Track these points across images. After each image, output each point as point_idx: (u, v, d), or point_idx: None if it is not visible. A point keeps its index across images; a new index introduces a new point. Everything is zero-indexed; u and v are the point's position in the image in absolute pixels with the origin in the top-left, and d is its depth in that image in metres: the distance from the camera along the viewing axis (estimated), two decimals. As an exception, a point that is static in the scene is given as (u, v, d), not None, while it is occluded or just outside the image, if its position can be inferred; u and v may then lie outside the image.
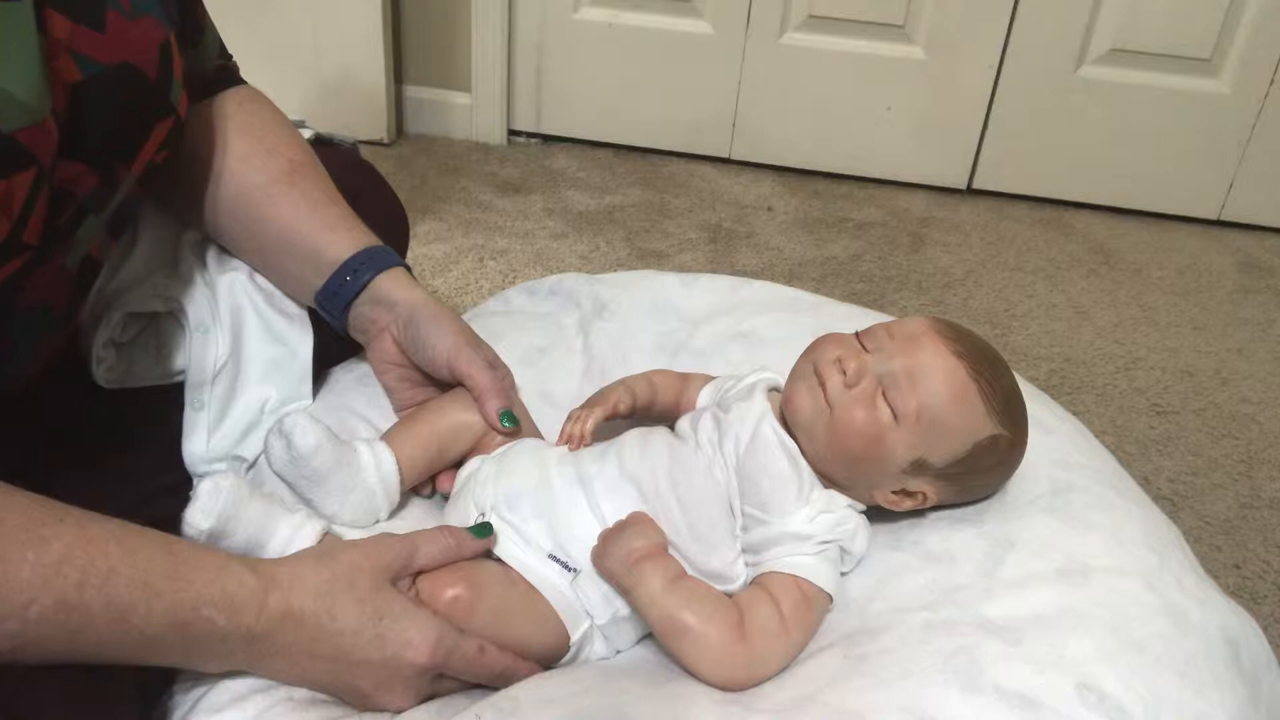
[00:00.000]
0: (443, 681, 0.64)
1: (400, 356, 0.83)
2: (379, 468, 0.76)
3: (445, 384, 0.82)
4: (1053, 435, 0.83)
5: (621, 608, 0.70)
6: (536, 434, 0.84)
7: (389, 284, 0.81)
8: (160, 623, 0.54)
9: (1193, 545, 0.80)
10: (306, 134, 0.97)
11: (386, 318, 0.81)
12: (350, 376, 0.92)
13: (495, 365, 0.81)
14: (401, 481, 0.77)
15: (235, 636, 0.57)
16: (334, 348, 0.93)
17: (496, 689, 0.65)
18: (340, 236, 0.82)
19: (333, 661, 0.60)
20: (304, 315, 0.87)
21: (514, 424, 0.78)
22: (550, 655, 0.70)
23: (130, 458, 0.77)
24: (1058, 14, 1.82)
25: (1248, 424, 1.39)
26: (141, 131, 0.68)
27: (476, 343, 0.81)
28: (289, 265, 0.83)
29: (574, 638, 0.70)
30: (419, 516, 0.80)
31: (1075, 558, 0.71)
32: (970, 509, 0.77)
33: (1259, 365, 1.53)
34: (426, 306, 0.81)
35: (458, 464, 0.81)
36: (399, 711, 0.63)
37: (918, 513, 0.77)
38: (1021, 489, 0.78)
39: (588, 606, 0.70)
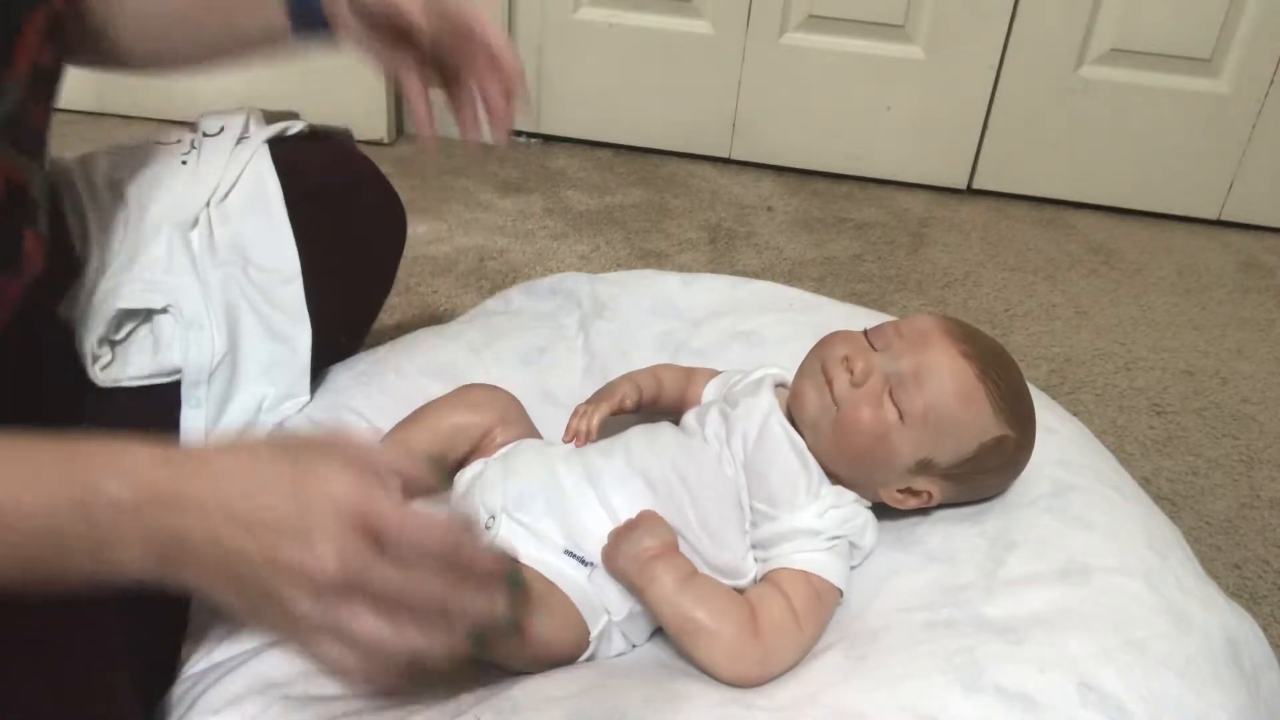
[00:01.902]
0: (372, 579, 0.50)
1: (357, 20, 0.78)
2: (379, 468, 0.76)
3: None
4: (1053, 435, 0.83)
5: (638, 603, 0.70)
6: (535, 434, 0.84)
7: None
8: (59, 504, 0.48)
9: (1193, 545, 0.80)
10: (296, 126, 0.96)
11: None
12: (349, 375, 0.92)
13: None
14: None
15: (145, 507, 0.49)
16: (331, 347, 0.93)
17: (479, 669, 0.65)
18: None
19: (247, 530, 0.49)
20: (303, 311, 0.87)
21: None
22: (571, 653, 0.70)
23: None
24: (1058, 14, 1.82)
25: (1248, 424, 1.38)
26: (9, 25, 0.64)
27: None
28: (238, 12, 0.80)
29: (593, 633, 0.70)
30: (419, 516, 0.80)
31: (1076, 558, 0.71)
32: (971, 509, 0.77)
33: (1259, 365, 1.53)
34: None
35: (458, 466, 0.81)
36: (318, 578, 0.49)
37: (921, 511, 0.77)
38: (1022, 489, 0.78)
39: (605, 602, 0.70)
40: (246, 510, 0.50)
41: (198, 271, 0.85)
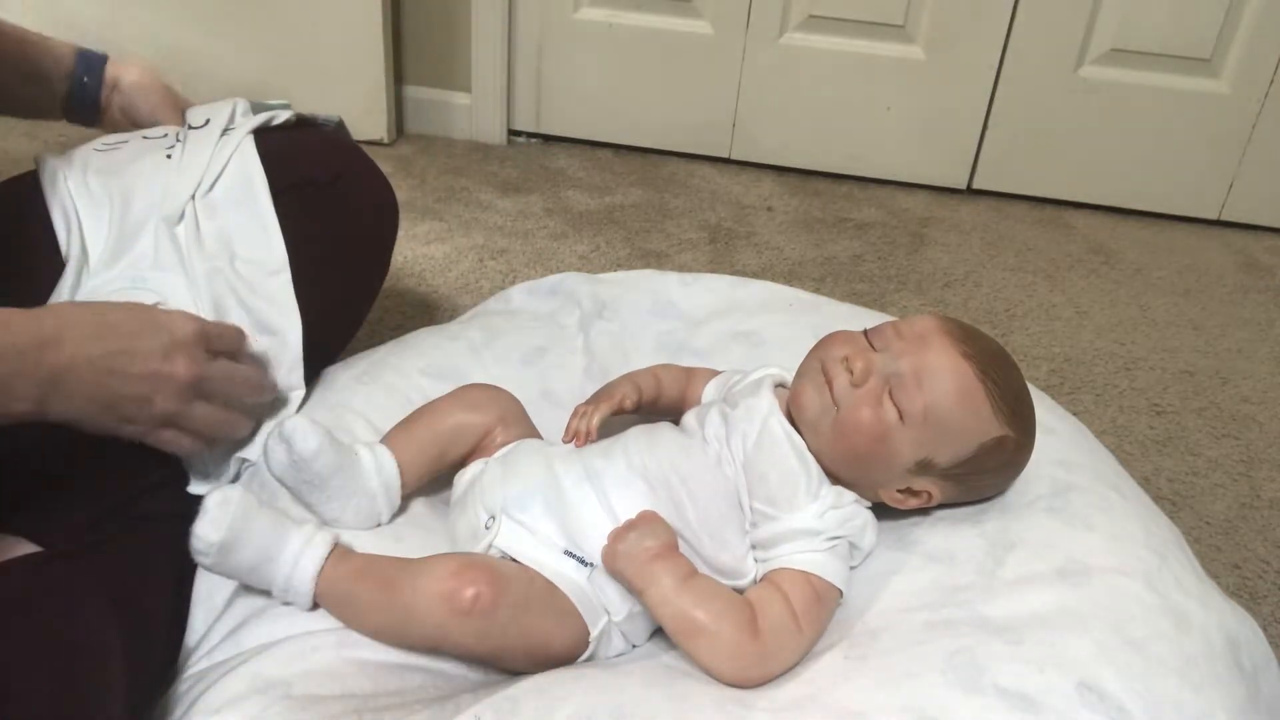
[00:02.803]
0: (212, 375, 0.73)
1: (125, 123, 1.00)
2: (380, 471, 0.76)
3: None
4: (1053, 435, 0.83)
5: (638, 603, 0.70)
6: (535, 434, 0.84)
7: (112, 69, 0.99)
8: None
9: (1193, 545, 0.80)
10: (283, 115, 0.96)
11: (114, 98, 0.99)
12: (348, 375, 0.92)
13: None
14: (402, 484, 0.77)
15: (31, 350, 0.64)
16: (327, 337, 0.92)
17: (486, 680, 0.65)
18: (55, 48, 0.97)
19: (121, 353, 0.68)
20: (291, 302, 0.86)
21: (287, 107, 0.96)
22: (571, 653, 0.70)
23: (118, 454, 0.76)
24: (1058, 14, 1.82)
25: (1248, 424, 1.38)
26: None
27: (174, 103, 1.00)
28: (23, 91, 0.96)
29: (593, 633, 0.70)
30: (420, 519, 0.80)
31: (1076, 558, 0.71)
32: (971, 509, 0.77)
33: (1259, 365, 1.53)
34: (140, 82, 0.99)
35: (458, 466, 0.81)
36: (181, 393, 0.71)
37: (921, 511, 0.77)
38: (1022, 489, 0.78)
39: (605, 603, 0.70)
40: (116, 340, 0.68)
41: (185, 266, 0.84)
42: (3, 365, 0.63)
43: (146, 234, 0.85)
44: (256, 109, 0.96)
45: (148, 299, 0.81)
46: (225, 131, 0.91)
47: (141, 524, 0.75)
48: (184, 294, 0.83)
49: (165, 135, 0.92)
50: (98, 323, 0.69)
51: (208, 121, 0.92)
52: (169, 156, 0.89)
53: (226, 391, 0.76)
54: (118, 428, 0.71)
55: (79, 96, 0.98)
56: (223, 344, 0.76)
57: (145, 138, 0.92)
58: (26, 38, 0.96)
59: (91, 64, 0.98)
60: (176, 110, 0.99)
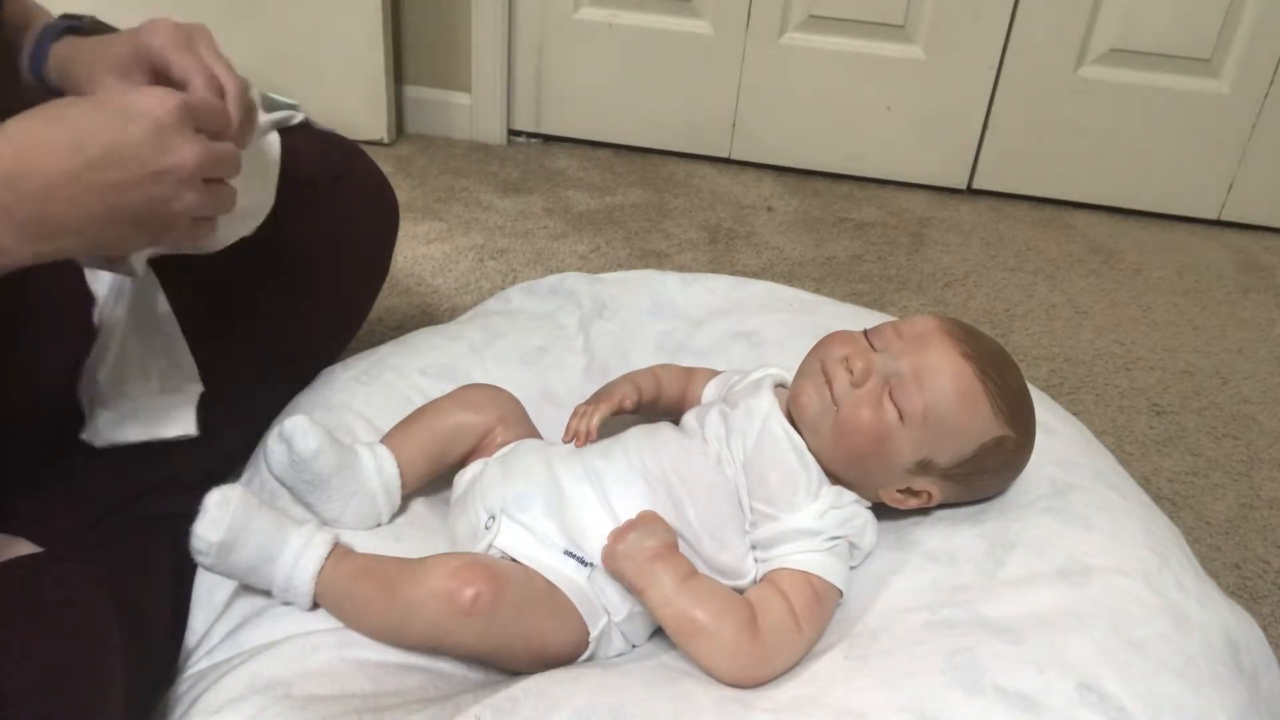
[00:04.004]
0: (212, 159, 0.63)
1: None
2: (380, 471, 0.76)
3: None
4: (1053, 435, 0.83)
5: (638, 603, 0.70)
6: (535, 434, 0.84)
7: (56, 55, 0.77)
8: None
9: (1193, 545, 0.80)
10: (297, 118, 0.96)
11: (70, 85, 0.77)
12: (348, 375, 0.92)
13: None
14: (402, 484, 0.77)
15: (9, 183, 0.55)
16: (330, 347, 0.92)
17: (489, 683, 0.65)
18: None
19: (116, 165, 0.58)
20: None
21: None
22: (571, 653, 0.70)
23: (119, 454, 0.76)
24: (1058, 14, 1.82)
25: (1248, 424, 1.38)
26: None
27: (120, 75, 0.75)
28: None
29: (593, 633, 0.70)
30: (420, 519, 0.80)
31: (1076, 558, 0.71)
32: (971, 509, 0.77)
33: (1259, 365, 1.53)
34: (71, 62, 0.77)
35: (458, 466, 0.81)
36: (192, 181, 0.62)
37: (921, 511, 0.77)
38: (1022, 489, 0.78)
39: (605, 603, 0.70)
40: (96, 145, 0.58)
41: None
42: None
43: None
44: (265, 103, 0.96)
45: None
46: None
47: (142, 524, 0.75)
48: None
49: None
50: (65, 133, 0.58)
51: None
52: None
53: (225, 172, 0.67)
54: (139, 244, 0.65)
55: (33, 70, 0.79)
56: (208, 121, 0.65)
57: None
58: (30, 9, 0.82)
59: (47, 34, 0.78)
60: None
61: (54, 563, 0.68)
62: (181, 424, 0.77)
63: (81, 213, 0.58)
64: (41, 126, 0.58)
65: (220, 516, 0.67)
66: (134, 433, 0.76)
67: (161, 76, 0.72)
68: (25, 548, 0.70)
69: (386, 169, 1.03)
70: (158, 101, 0.61)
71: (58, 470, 0.75)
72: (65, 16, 0.80)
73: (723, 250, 1.72)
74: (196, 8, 1.92)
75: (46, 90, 0.79)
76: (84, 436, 0.75)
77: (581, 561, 0.71)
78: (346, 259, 0.97)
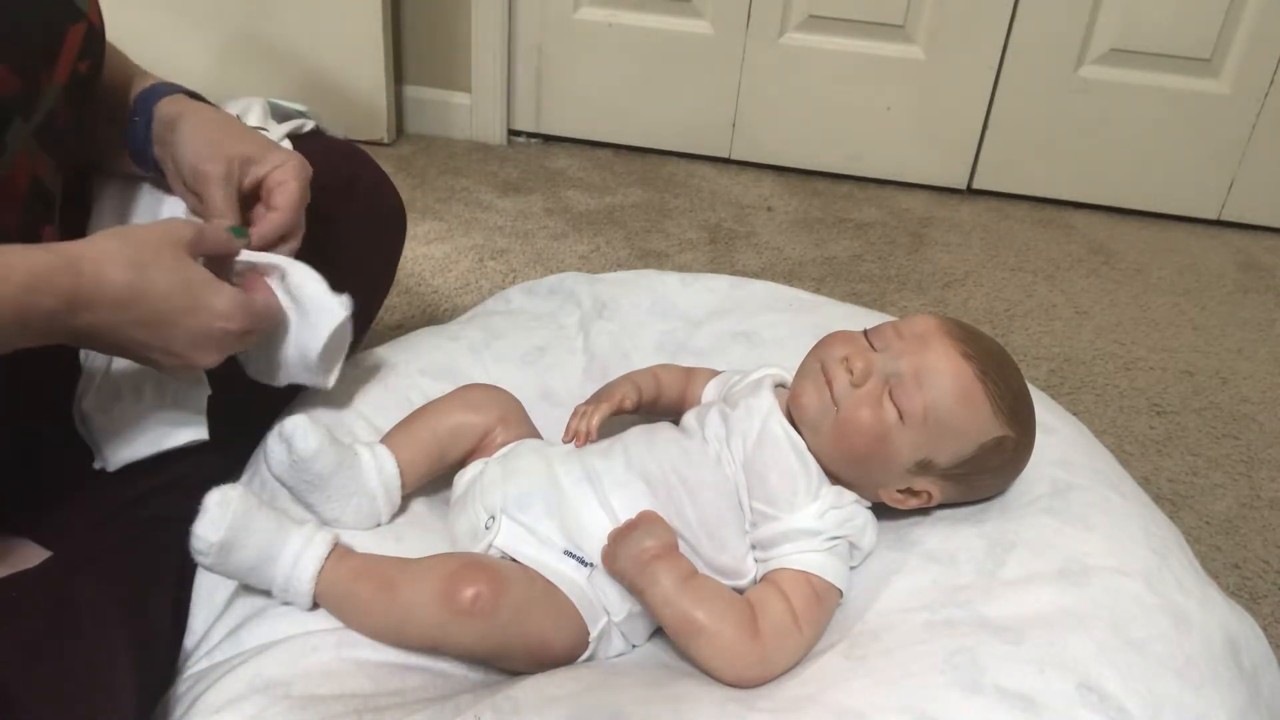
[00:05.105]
0: (248, 338, 0.70)
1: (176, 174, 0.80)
2: (380, 471, 0.76)
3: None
4: (1053, 435, 0.83)
5: (637, 603, 0.70)
6: (535, 434, 0.84)
7: (167, 106, 0.79)
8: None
9: (1193, 545, 0.80)
10: (309, 125, 0.96)
11: (168, 137, 0.79)
12: (349, 375, 0.92)
13: (230, 178, 0.77)
14: (402, 484, 0.77)
15: (62, 314, 0.59)
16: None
17: (492, 689, 0.65)
18: (140, 80, 0.82)
19: (151, 328, 0.64)
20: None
21: (244, 236, 0.75)
22: (571, 653, 0.70)
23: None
24: (1058, 14, 1.82)
25: (1248, 424, 1.38)
26: (54, 34, 0.68)
27: (223, 147, 0.77)
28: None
29: (593, 634, 0.70)
30: (420, 519, 0.80)
31: (1075, 558, 0.71)
32: (971, 509, 0.77)
33: (1259, 365, 1.53)
34: (193, 114, 0.79)
35: (458, 466, 0.81)
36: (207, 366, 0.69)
37: (921, 511, 0.77)
38: (1022, 489, 0.78)
39: (605, 603, 0.70)
40: (151, 321, 0.64)
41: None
42: (33, 326, 0.58)
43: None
44: (275, 110, 0.96)
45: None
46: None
47: (147, 527, 0.75)
48: None
49: None
50: (137, 288, 0.63)
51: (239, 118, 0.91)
52: None
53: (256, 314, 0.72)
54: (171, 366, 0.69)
55: (131, 138, 0.81)
56: (260, 322, 0.71)
57: None
58: (124, 67, 0.82)
59: (148, 99, 0.79)
60: (221, 177, 0.77)
61: (61, 569, 0.68)
62: (193, 430, 0.77)
63: (108, 340, 0.64)
64: (119, 272, 0.62)
65: (220, 516, 0.67)
66: (144, 448, 0.76)
67: (248, 195, 0.78)
68: (32, 551, 0.70)
69: (387, 169, 1.03)
70: (226, 300, 0.67)
71: (63, 473, 0.75)
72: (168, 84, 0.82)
73: (723, 250, 1.72)
74: (197, 8, 1.92)
75: (140, 158, 0.81)
76: (97, 466, 0.75)
77: (581, 561, 0.71)
78: (355, 265, 0.97)
